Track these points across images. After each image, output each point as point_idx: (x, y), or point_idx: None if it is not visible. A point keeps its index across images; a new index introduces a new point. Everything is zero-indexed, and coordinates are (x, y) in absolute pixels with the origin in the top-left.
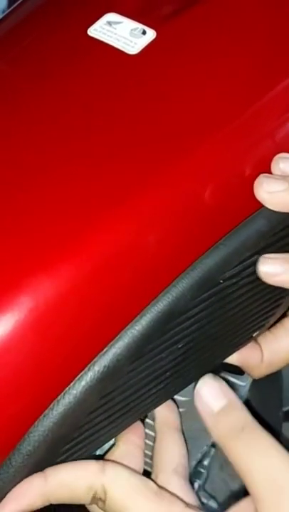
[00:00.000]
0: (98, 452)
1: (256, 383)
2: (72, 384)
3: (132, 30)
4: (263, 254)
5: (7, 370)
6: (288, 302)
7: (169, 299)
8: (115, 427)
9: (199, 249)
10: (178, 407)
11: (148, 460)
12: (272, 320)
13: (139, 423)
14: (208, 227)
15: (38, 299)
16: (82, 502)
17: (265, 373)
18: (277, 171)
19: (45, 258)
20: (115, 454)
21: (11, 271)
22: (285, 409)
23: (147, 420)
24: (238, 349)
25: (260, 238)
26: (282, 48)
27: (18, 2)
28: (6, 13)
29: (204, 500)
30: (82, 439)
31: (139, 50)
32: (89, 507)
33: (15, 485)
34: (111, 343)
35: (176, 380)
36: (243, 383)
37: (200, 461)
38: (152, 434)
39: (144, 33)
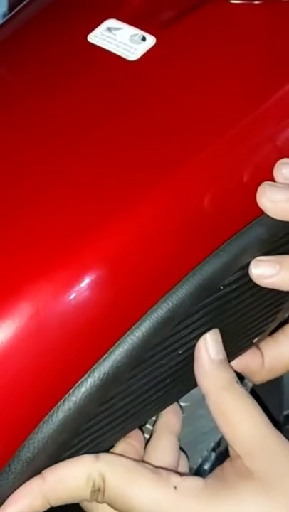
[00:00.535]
0: None
1: (257, 387)
2: (72, 390)
3: (131, 36)
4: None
5: (7, 376)
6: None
7: (169, 305)
8: (116, 433)
9: (199, 256)
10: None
11: None
12: (272, 325)
13: (137, 430)
14: (208, 234)
15: (38, 306)
16: (82, 497)
17: (265, 379)
18: (280, 176)
19: (45, 264)
20: None
21: (11, 277)
22: (285, 412)
23: (147, 425)
24: (239, 355)
25: (260, 245)
26: (283, 54)
27: (19, 7)
28: (6, 17)
29: None
30: (82, 445)
31: (138, 56)
32: (86, 507)
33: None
34: (111, 349)
35: (176, 386)
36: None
37: (200, 466)
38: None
39: (143, 39)
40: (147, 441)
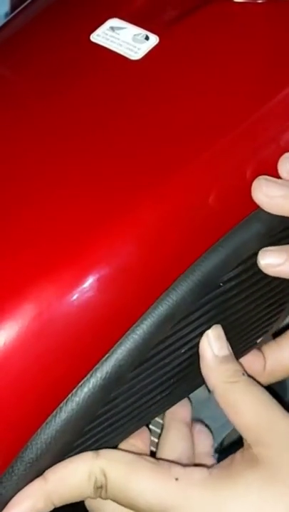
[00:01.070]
0: None
1: None
2: (74, 391)
3: (134, 35)
4: None
5: (10, 377)
6: None
7: (170, 302)
8: (119, 434)
9: (198, 252)
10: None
11: None
12: (275, 325)
13: (144, 428)
14: (206, 230)
15: (41, 306)
16: (85, 495)
17: (266, 382)
18: (284, 171)
19: (47, 265)
20: None
21: (14, 278)
22: None
23: (151, 427)
24: (242, 356)
25: (259, 239)
26: (287, 53)
27: (21, 6)
28: (9, 17)
29: None
30: (86, 446)
31: (142, 56)
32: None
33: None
34: (113, 348)
35: (180, 386)
36: None
37: None
38: (156, 440)
39: (147, 38)
40: (152, 444)
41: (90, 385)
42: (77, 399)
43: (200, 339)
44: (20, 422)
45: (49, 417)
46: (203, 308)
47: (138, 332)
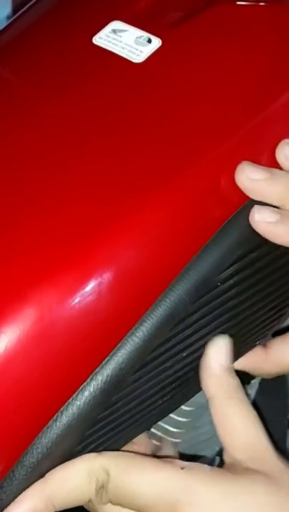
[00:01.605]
0: None
1: (262, 390)
2: (75, 395)
3: (137, 38)
4: (257, 251)
5: (10, 381)
6: None
7: (168, 303)
8: (120, 438)
9: (193, 252)
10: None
11: None
12: (275, 328)
13: (144, 435)
14: (206, 232)
15: (42, 311)
16: (86, 496)
17: (273, 373)
18: (282, 156)
19: (48, 269)
20: None
21: (15, 282)
22: None
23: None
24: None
25: (252, 234)
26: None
27: (23, 9)
28: (10, 20)
29: None
30: (87, 451)
31: (144, 59)
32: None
33: None
34: (113, 351)
35: (182, 390)
36: (248, 391)
37: None
38: (157, 443)
39: (149, 41)
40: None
41: (91, 389)
42: (78, 403)
43: (201, 343)
44: (21, 427)
45: (50, 421)
46: (203, 309)
47: (138, 334)
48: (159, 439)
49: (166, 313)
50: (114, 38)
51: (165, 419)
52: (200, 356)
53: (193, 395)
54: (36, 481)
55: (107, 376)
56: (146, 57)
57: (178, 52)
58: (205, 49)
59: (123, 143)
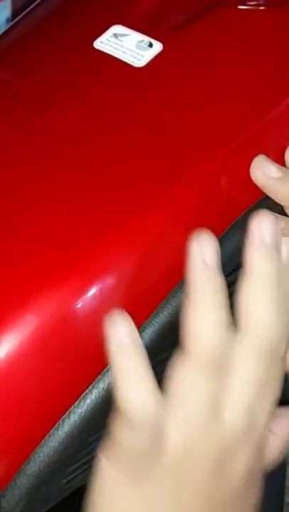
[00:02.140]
0: None
1: None
2: (77, 403)
3: (138, 42)
4: None
5: (12, 389)
6: None
7: (169, 309)
8: None
9: None
10: None
11: None
12: None
13: None
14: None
15: (43, 318)
16: None
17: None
18: None
19: (49, 276)
20: None
21: (16, 289)
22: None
23: None
24: None
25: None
26: None
27: (24, 13)
28: (11, 24)
29: None
30: (89, 459)
31: (145, 63)
32: None
33: (20, 507)
34: None
35: None
36: None
37: None
38: None
39: (150, 45)
40: None
41: (93, 397)
42: (79, 410)
43: None
44: (23, 435)
45: (52, 430)
46: None
47: None
48: None
49: (168, 320)
50: (115, 43)
51: None
52: None
53: None
54: (39, 489)
55: (109, 384)
56: (147, 61)
57: (179, 56)
58: (206, 53)
59: (125, 147)
